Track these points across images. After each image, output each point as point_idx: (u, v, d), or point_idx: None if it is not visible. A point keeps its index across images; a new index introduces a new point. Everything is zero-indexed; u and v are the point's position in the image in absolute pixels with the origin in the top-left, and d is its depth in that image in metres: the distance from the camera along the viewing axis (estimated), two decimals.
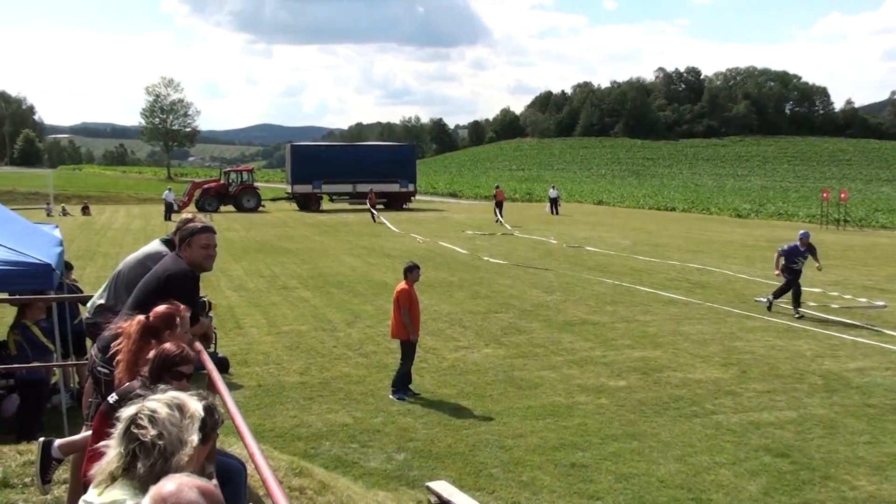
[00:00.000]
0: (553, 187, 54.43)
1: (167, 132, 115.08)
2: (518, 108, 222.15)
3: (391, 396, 10.21)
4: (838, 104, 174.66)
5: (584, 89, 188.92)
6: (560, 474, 7.75)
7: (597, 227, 39.40)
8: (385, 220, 41.19)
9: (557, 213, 49.30)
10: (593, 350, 12.85)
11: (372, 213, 43.63)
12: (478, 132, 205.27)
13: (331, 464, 7.92)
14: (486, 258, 25.08)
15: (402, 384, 10.36)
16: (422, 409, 9.73)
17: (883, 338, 13.89)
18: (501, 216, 42.13)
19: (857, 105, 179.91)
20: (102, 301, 6.65)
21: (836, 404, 10.00)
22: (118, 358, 4.66)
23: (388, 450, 8.34)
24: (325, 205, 54.25)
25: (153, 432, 2.68)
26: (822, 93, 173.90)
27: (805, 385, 10.86)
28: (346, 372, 11.49)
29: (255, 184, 54.70)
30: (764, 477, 7.66)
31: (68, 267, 10.93)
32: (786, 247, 16.69)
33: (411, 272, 10.68)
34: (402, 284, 10.61)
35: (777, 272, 16.60)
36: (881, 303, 17.45)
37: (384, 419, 9.34)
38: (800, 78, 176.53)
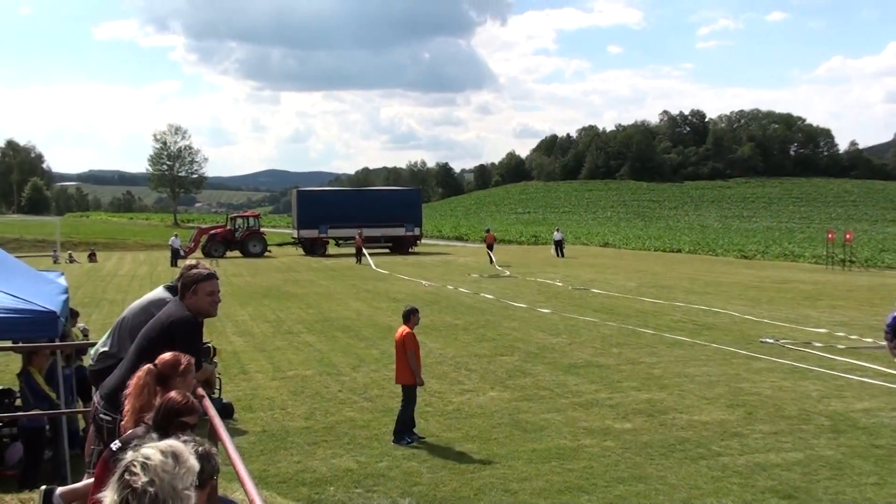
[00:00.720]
0: (558, 230, 54.62)
1: (174, 179, 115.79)
2: (523, 151, 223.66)
3: (394, 443, 10.15)
4: (842, 146, 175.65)
5: (590, 132, 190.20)
6: None
7: (602, 270, 39.42)
8: (370, 261, 41.92)
9: (563, 256, 49.38)
10: (599, 392, 12.81)
11: (358, 256, 44.62)
12: (483, 176, 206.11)
13: None
14: (517, 304, 25.08)
15: (406, 429, 10.33)
16: (427, 454, 9.69)
17: (890, 378, 13.81)
18: (493, 258, 43.22)
19: (861, 146, 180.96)
20: (106, 348, 6.69)
21: (843, 445, 9.93)
22: (126, 407, 4.68)
23: (393, 494, 8.30)
24: (332, 249, 54.44)
25: (144, 479, 2.69)
26: (827, 134, 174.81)
27: (812, 426, 10.80)
28: (351, 416, 11.47)
29: (262, 229, 54.99)
30: None
31: (74, 314, 10.99)
32: (889, 319, 13.93)
33: (414, 315, 10.66)
34: (405, 328, 10.54)
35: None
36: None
37: (389, 463, 9.31)
38: (804, 120, 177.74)
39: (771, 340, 17.49)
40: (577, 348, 16.81)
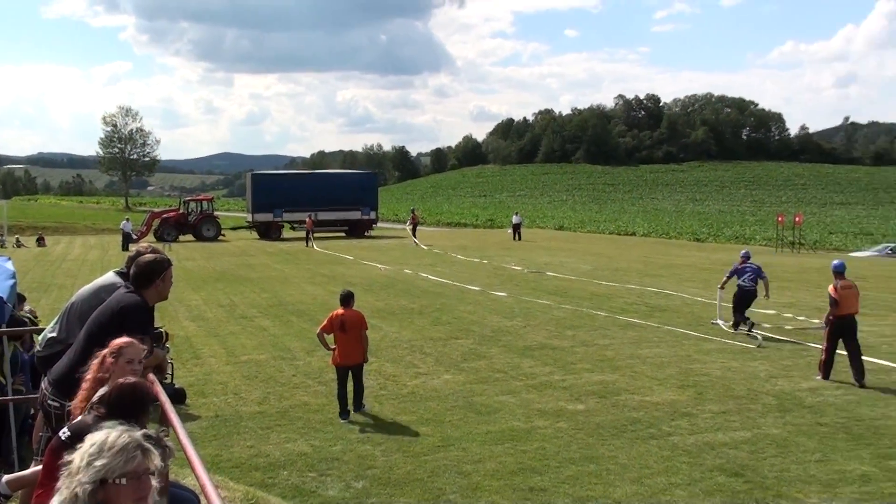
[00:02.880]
0: (516, 213, 54.86)
1: (125, 162, 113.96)
2: (480, 135, 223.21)
3: (355, 412, 10.67)
4: (793, 130, 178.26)
5: (546, 116, 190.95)
6: (518, 498, 7.79)
7: (558, 253, 39.71)
8: (314, 245, 43.25)
9: (520, 239, 49.65)
10: (552, 374, 12.94)
11: (307, 239, 45.53)
12: (440, 159, 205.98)
13: (288, 493, 7.89)
14: (472, 287, 25.16)
15: (358, 402, 10.82)
16: (381, 437, 9.73)
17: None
18: (416, 237, 46.38)
19: (811, 131, 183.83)
20: (54, 334, 6.60)
21: (789, 424, 10.17)
22: (81, 394, 4.64)
23: (347, 478, 8.33)
24: (287, 233, 54.12)
25: (101, 462, 2.71)
26: (778, 119, 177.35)
27: (759, 405, 11.04)
28: (306, 401, 11.46)
29: (215, 213, 54.46)
30: (718, 497, 7.77)
31: (21, 299, 10.82)
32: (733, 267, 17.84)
33: (353, 298, 11.33)
34: (354, 310, 11.07)
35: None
36: None
37: (343, 447, 9.33)
38: (756, 104, 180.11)
39: (721, 322, 17.78)
40: (532, 331, 16.95)
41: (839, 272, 13.08)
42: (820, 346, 14.05)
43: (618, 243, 49.81)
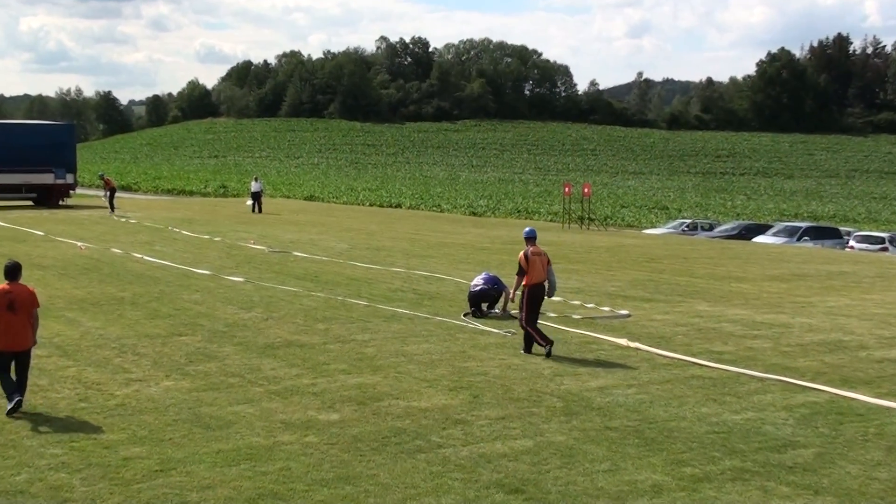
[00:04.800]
0: (256, 179, 54.21)
1: None
2: (210, 80, 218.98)
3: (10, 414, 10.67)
4: (582, 85, 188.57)
5: (292, 60, 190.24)
6: None
7: (307, 228, 39.74)
8: None
9: (260, 211, 49.25)
10: (300, 378, 12.96)
11: None
12: (158, 109, 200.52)
13: None
14: (200, 271, 24.51)
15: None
16: (80, 461, 9.33)
17: (627, 352, 15.09)
18: (113, 205, 47.43)
19: (601, 87, 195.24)
20: None
21: (576, 429, 10.75)
22: None
23: None
24: None
25: None
26: (565, 72, 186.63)
27: (543, 409, 11.59)
28: None
29: None
30: None
31: None
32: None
33: (20, 269, 11.22)
34: (17, 286, 10.95)
35: None
36: (625, 312, 18.96)
37: (29, 476, 8.87)
38: (540, 54, 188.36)
39: (498, 311, 18.46)
40: (275, 325, 16.88)
41: (530, 238, 15.34)
42: (608, 339, 15.01)
43: (380, 217, 50.53)
